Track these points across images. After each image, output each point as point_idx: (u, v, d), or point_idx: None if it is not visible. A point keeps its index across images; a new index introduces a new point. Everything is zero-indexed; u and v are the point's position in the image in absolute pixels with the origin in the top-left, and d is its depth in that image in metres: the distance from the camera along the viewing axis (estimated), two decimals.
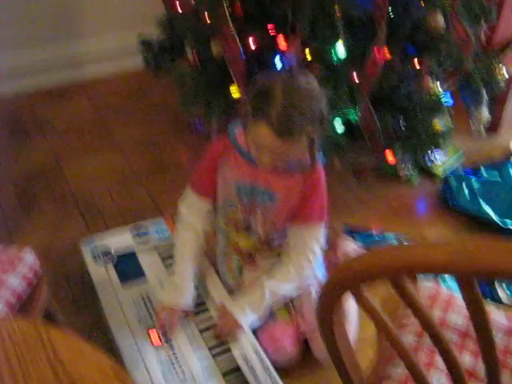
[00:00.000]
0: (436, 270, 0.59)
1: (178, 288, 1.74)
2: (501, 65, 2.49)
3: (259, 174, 1.69)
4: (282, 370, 1.73)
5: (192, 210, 1.81)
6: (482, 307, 0.60)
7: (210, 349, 1.69)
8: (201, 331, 1.74)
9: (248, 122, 1.55)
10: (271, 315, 1.78)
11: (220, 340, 1.70)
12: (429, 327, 0.67)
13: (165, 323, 1.70)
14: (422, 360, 1.15)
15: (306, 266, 1.75)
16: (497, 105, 2.79)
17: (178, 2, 2.55)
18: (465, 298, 0.61)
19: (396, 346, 0.74)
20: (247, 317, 1.70)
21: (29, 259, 1.43)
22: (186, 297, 1.73)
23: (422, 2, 2.17)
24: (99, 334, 1.87)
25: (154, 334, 1.71)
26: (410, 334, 1.18)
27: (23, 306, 1.40)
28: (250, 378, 1.60)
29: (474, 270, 0.55)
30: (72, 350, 0.82)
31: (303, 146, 1.55)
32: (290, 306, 1.82)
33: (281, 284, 1.74)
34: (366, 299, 0.68)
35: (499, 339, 1.20)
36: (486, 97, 2.49)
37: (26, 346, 0.82)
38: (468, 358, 1.16)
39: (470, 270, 0.55)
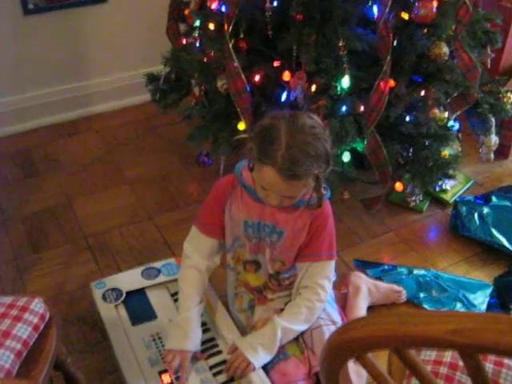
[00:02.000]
0: (436, 346, 0.57)
1: (184, 330, 1.70)
2: (508, 90, 2.48)
3: (266, 211, 1.68)
4: None
5: (197, 249, 1.79)
6: (485, 377, 0.59)
7: None
8: (211, 368, 1.73)
9: (254, 165, 1.55)
10: (283, 352, 1.76)
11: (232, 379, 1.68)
12: None
13: (176, 369, 1.67)
14: None
15: (317, 305, 1.74)
16: (506, 130, 2.77)
17: (183, 39, 2.58)
18: (467, 368, 0.59)
19: None
20: (260, 358, 1.68)
21: (37, 307, 1.42)
22: (192, 338, 1.70)
23: (425, 32, 2.18)
24: (111, 375, 1.87)
25: (165, 376, 1.69)
26: None
27: (32, 352, 1.39)
28: None
29: (473, 348, 0.54)
30: None
31: (310, 186, 1.55)
32: (300, 341, 1.80)
33: (293, 324, 1.73)
34: (371, 365, 0.67)
35: None
36: (494, 123, 2.49)
37: None
38: None
39: (469, 348, 0.54)
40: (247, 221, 1.72)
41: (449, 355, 1.19)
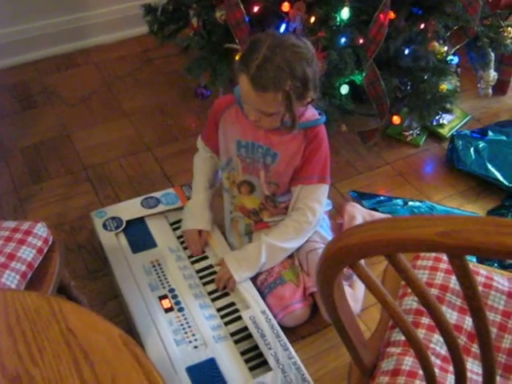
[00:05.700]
0: (426, 249, 0.60)
1: (192, 212, 1.92)
2: (509, 25, 2.46)
3: (260, 132, 1.72)
4: (290, 330, 1.78)
5: (202, 154, 1.96)
6: (472, 281, 0.62)
7: (219, 311, 1.74)
8: (209, 293, 1.80)
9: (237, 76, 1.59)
10: (279, 277, 1.82)
11: (220, 290, 1.81)
12: (426, 302, 0.69)
13: (192, 246, 1.89)
14: (426, 323, 1.17)
15: (304, 227, 1.78)
16: (505, 65, 2.76)
17: None
18: (454, 272, 0.63)
19: (394, 319, 0.77)
20: (241, 272, 1.78)
21: (40, 231, 1.46)
22: (202, 220, 1.90)
23: None
24: (112, 300, 1.92)
25: (165, 301, 1.75)
26: (413, 301, 1.21)
27: (36, 274, 1.43)
28: (257, 337, 1.65)
29: (461, 249, 0.56)
30: (82, 321, 0.86)
31: (281, 104, 1.55)
32: (296, 264, 1.85)
33: (279, 242, 1.78)
34: (363, 272, 0.70)
35: (503, 302, 1.21)
36: (493, 57, 2.47)
37: (40, 319, 0.86)
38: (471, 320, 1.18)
39: (458, 250, 0.57)
40: (240, 140, 1.76)
41: (440, 278, 1.23)
